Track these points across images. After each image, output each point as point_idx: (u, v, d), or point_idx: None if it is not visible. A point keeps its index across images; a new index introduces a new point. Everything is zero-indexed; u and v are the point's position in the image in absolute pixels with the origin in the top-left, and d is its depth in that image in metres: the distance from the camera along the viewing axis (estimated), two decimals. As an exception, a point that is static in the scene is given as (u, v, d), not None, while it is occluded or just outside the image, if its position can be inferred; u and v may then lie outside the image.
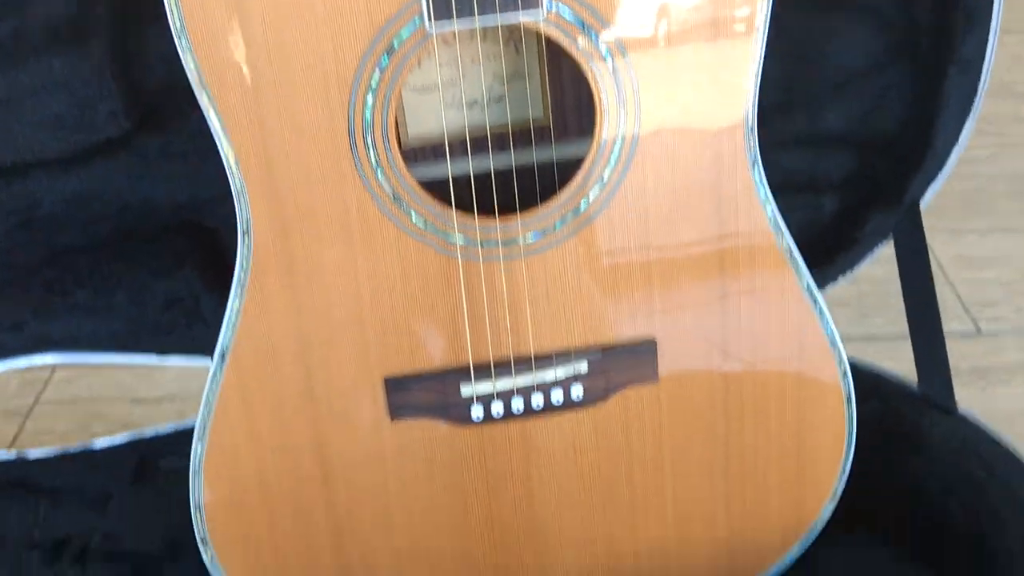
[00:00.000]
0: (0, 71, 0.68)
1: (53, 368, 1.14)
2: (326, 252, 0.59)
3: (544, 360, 0.63)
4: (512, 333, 0.62)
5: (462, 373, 0.63)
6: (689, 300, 0.63)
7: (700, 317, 0.64)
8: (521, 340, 0.62)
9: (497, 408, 0.63)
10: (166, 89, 0.73)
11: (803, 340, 0.65)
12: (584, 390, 0.64)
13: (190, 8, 0.53)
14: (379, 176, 0.57)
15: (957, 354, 1.11)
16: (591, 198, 0.60)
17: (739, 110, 0.59)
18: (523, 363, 0.63)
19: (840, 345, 0.66)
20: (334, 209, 0.58)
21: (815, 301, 0.65)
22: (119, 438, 0.84)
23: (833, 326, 0.66)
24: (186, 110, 0.73)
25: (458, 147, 0.62)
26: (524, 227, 0.60)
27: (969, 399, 1.04)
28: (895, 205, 0.81)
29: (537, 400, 0.63)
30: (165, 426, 0.85)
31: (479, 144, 0.62)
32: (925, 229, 0.82)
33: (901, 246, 0.82)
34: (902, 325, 1.14)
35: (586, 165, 0.59)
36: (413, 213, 0.59)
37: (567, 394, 0.64)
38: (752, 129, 0.59)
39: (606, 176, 0.59)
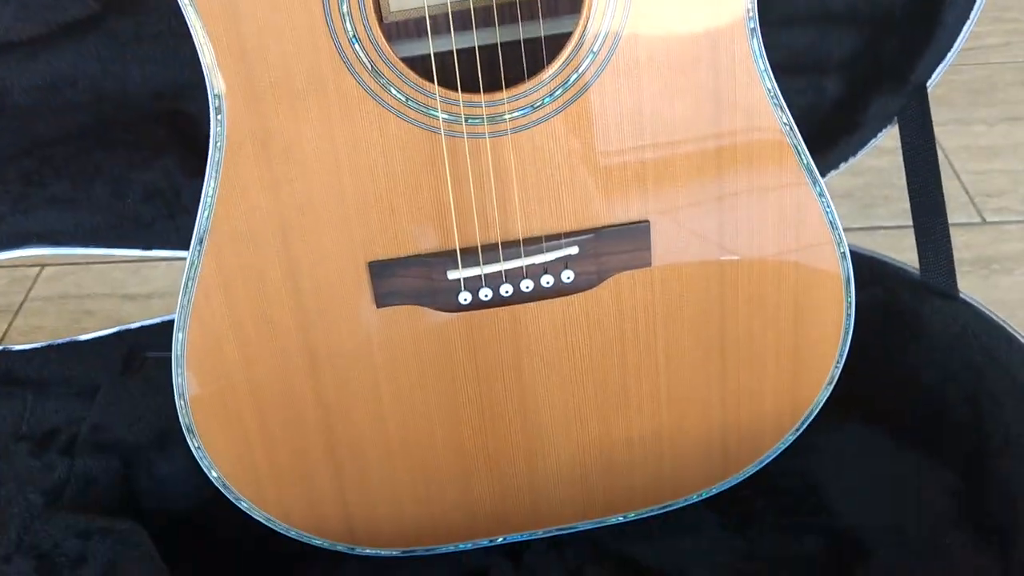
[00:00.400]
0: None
1: (42, 266, 1.12)
2: (303, 128, 0.56)
3: (533, 243, 0.61)
4: (500, 214, 0.60)
5: (449, 257, 0.61)
6: (684, 179, 0.60)
7: (695, 197, 0.61)
8: (509, 221, 0.60)
9: (485, 293, 0.62)
10: (136, -36, 0.70)
11: (801, 221, 0.63)
12: (575, 274, 0.62)
13: None
14: (356, 48, 0.54)
15: (961, 243, 1.09)
16: (581, 70, 0.57)
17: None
18: (511, 246, 0.61)
19: (839, 226, 0.64)
20: (309, 83, 0.55)
21: (814, 181, 0.62)
22: (106, 331, 0.82)
23: (833, 207, 0.64)
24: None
25: (442, 20, 0.59)
26: (511, 102, 0.57)
27: (971, 288, 1.03)
28: (901, 86, 0.78)
29: (526, 284, 0.62)
30: (154, 319, 0.83)
31: (464, 16, 0.59)
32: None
33: (907, 130, 0.79)
34: (905, 218, 1.11)
35: (575, 36, 0.56)
36: (393, 88, 0.56)
37: (557, 278, 0.62)
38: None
39: (596, 47, 0.56)
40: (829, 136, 0.81)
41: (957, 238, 1.10)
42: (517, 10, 0.61)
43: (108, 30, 0.72)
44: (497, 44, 0.59)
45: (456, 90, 0.56)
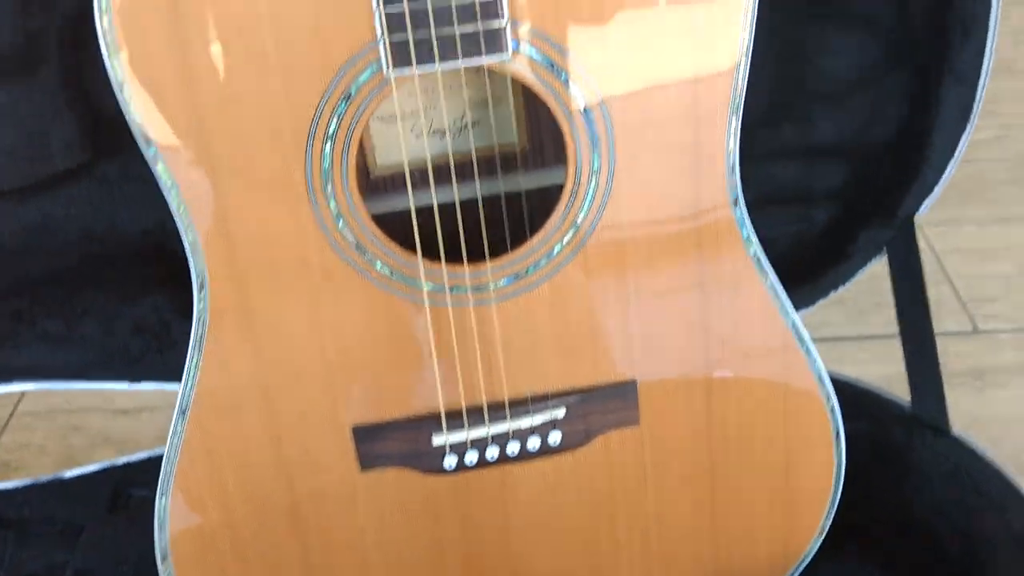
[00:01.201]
0: (-55, 105, 0.65)
1: (31, 377, 1.12)
2: (287, 304, 0.56)
3: (519, 406, 0.60)
4: (484, 380, 0.59)
5: (433, 421, 0.60)
6: (670, 341, 0.60)
7: (682, 357, 0.61)
8: (494, 386, 0.60)
9: (471, 457, 0.61)
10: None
11: (790, 378, 0.63)
12: (562, 435, 0.61)
13: (133, 60, 0.49)
14: (340, 225, 0.54)
15: (953, 354, 1.09)
16: (564, 242, 0.57)
17: (718, 154, 0.55)
18: (497, 410, 0.60)
19: (828, 382, 0.64)
20: (294, 261, 0.55)
21: (801, 340, 0.62)
22: (92, 467, 0.82)
23: (820, 362, 0.63)
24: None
25: (427, 178, 0.59)
26: (495, 272, 0.57)
27: (965, 402, 1.02)
28: (889, 219, 0.78)
29: (513, 448, 0.61)
30: (140, 454, 0.83)
31: (449, 174, 0.59)
32: (922, 220, 0.79)
33: (895, 262, 0.79)
34: (896, 326, 1.11)
35: (559, 209, 0.56)
36: (378, 262, 0.56)
37: (544, 440, 0.61)
38: (734, 169, 0.56)
39: (579, 220, 0.56)
40: (818, 265, 0.81)
41: (949, 348, 1.09)
42: (502, 165, 0.62)
43: (97, 175, 0.72)
44: (480, 210, 0.59)
45: (440, 260, 0.56)
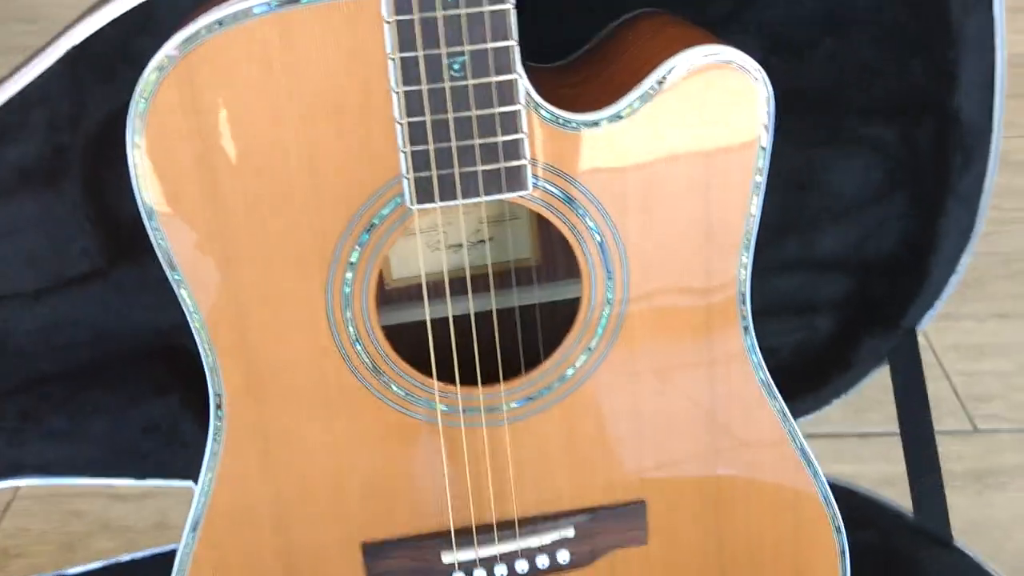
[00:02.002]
0: (-30, 214, 0.66)
1: (32, 460, 1.11)
2: (302, 424, 0.57)
3: (529, 525, 0.61)
4: (495, 499, 0.60)
5: (443, 539, 0.60)
6: (680, 464, 0.61)
7: (690, 479, 0.62)
8: (505, 505, 0.60)
9: (480, 575, 0.61)
10: (141, 220, 0.72)
11: (798, 500, 0.63)
12: (571, 554, 0.62)
13: (162, 191, 0.51)
14: (358, 348, 0.55)
15: (953, 455, 1.10)
16: (577, 365, 0.58)
17: (729, 285, 0.57)
18: (507, 529, 0.61)
19: (834, 504, 0.64)
20: (311, 383, 0.56)
21: (809, 462, 0.63)
22: (95, 565, 0.81)
23: (825, 483, 0.64)
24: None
25: (441, 290, 0.60)
26: (508, 395, 0.58)
27: (965, 505, 1.02)
28: (891, 330, 0.80)
29: (521, 566, 0.61)
30: (144, 552, 0.82)
31: (462, 287, 0.60)
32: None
33: (897, 370, 0.80)
34: (896, 424, 1.12)
35: (573, 333, 0.57)
36: (394, 384, 0.57)
37: (552, 559, 0.62)
38: (744, 299, 0.58)
39: (593, 344, 0.57)
40: (821, 374, 0.82)
41: (949, 448, 1.10)
42: (506, 279, 0.63)
43: (114, 279, 0.73)
44: (494, 325, 0.60)
45: (454, 382, 0.57)
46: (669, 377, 0.59)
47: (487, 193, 0.51)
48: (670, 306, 0.57)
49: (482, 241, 0.64)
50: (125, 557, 0.82)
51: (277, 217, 0.52)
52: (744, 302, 0.58)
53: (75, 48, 0.62)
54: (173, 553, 0.69)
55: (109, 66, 0.63)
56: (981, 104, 0.69)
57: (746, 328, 0.58)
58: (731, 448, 0.61)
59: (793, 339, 0.82)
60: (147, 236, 0.72)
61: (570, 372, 0.58)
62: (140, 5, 0.61)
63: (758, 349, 0.59)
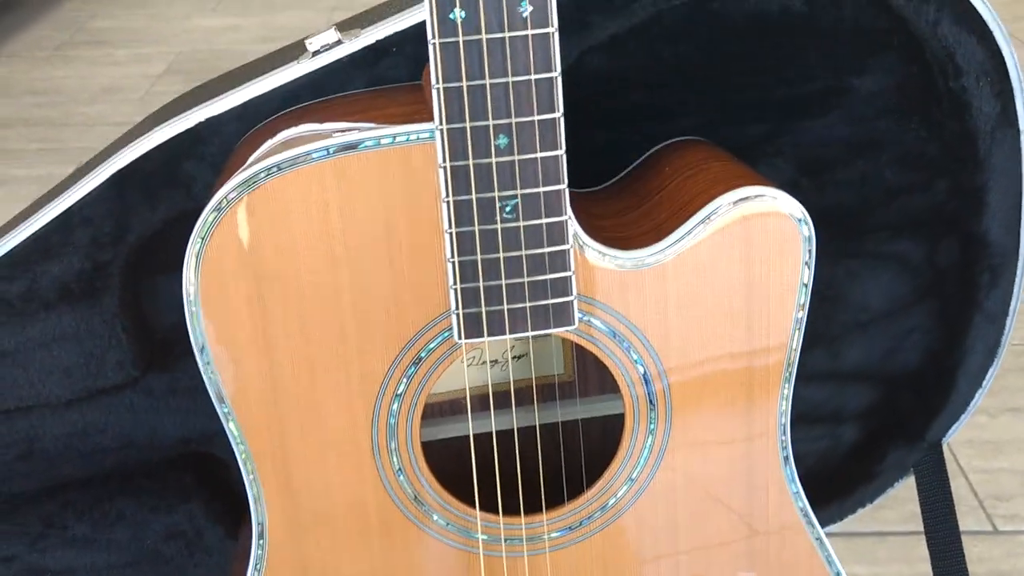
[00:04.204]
0: (9, 328, 0.67)
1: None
2: (343, 554, 0.57)
3: (566, 652, 0.60)
4: (534, 625, 0.60)
5: (481, 666, 0.60)
6: (717, 590, 0.61)
7: (728, 605, 0.61)
8: (543, 632, 0.60)
9: None
10: (176, 327, 0.72)
11: (833, 626, 0.63)
12: None
13: (213, 323, 0.51)
14: (401, 479, 0.56)
15: (974, 556, 1.09)
16: (619, 495, 0.58)
17: (771, 420, 0.57)
18: (545, 656, 0.60)
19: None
20: (352, 513, 0.56)
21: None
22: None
23: (857, 597, 0.64)
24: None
25: (477, 405, 0.61)
26: (549, 524, 0.58)
27: (990, 609, 1.01)
28: (916, 441, 0.80)
29: None
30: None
31: (499, 403, 0.60)
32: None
33: (923, 483, 0.80)
34: (915, 523, 1.11)
35: (615, 464, 0.57)
36: (435, 514, 0.57)
37: None
38: (785, 429, 0.58)
39: (635, 475, 0.57)
40: (846, 483, 0.82)
41: (970, 549, 1.09)
42: (541, 394, 0.63)
43: (144, 387, 0.74)
44: (537, 446, 0.60)
45: (496, 511, 0.57)
46: (710, 506, 0.59)
47: (534, 328, 0.52)
48: (713, 438, 0.57)
49: (515, 358, 0.65)
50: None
51: (327, 353, 0.52)
52: (785, 433, 0.58)
53: (121, 170, 0.63)
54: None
55: (154, 188, 0.64)
56: (1008, 227, 0.70)
57: (786, 458, 0.59)
58: (767, 571, 0.61)
59: (818, 447, 0.83)
60: (179, 343, 0.73)
61: (612, 502, 0.58)
62: (186, 130, 0.62)
63: (797, 479, 0.59)
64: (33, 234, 0.65)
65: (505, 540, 0.58)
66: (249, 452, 0.54)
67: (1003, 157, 0.68)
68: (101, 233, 0.66)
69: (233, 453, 0.68)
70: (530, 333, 0.52)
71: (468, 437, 0.58)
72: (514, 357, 0.65)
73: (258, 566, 0.56)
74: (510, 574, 0.58)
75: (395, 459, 0.55)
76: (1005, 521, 1.11)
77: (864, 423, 0.82)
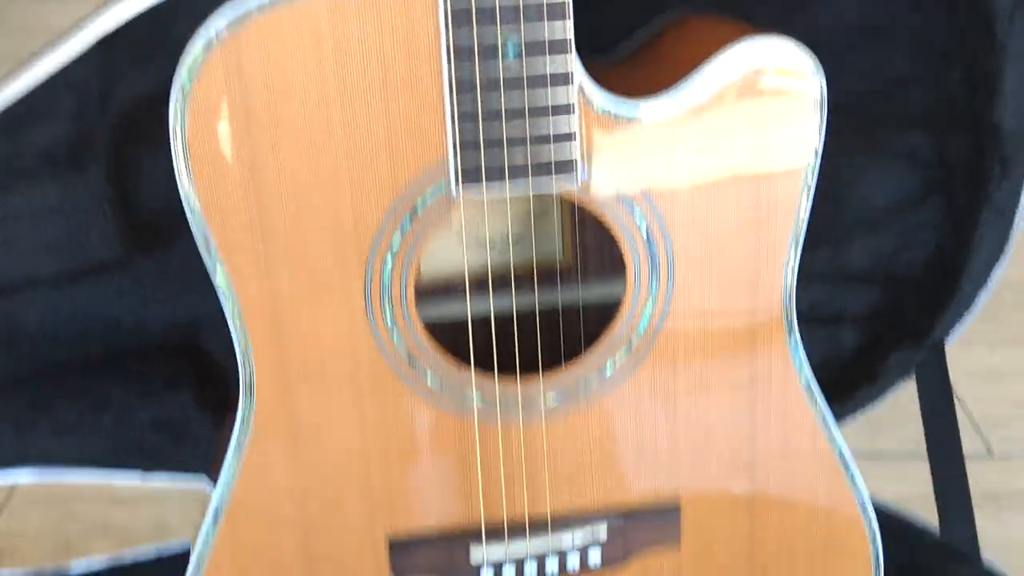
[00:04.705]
0: (-9, 194, 0.65)
1: (30, 460, 1.09)
2: (333, 413, 0.55)
3: (560, 524, 0.59)
4: (528, 495, 0.58)
5: (472, 536, 0.59)
6: (717, 468, 0.59)
7: (727, 483, 0.60)
8: (536, 502, 0.59)
9: (509, 573, 0.59)
10: (166, 209, 0.70)
11: (832, 504, 0.62)
12: (602, 555, 0.60)
13: (200, 165, 0.49)
14: (394, 337, 0.54)
15: (970, 478, 1.08)
16: (618, 363, 0.56)
17: (776, 284, 0.56)
18: (538, 528, 0.59)
19: (870, 508, 0.63)
20: (344, 370, 0.54)
21: (847, 467, 0.61)
22: (97, 562, 0.79)
23: (864, 491, 0.63)
24: (186, 229, 0.70)
25: (475, 289, 0.59)
26: (545, 388, 0.56)
27: (981, 527, 1.00)
28: (919, 343, 0.79)
29: (552, 566, 0.60)
30: (145, 549, 0.80)
31: (497, 286, 0.59)
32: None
33: (924, 385, 0.79)
34: (911, 444, 1.10)
35: (613, 329, 0.56)
36: (429, 374, 0.55)
37: (583, 559, 0.60)
38: (791, 299, 0.56)
39: (634, 342, 0.56)
40: (847, 386, 0.81)
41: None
42: (540, 279, 0.62)
43: (132, 269, 0.72)
44: (536, 322, 0.59)
45: (491, 372, 0.56)
46: (710, 378, 0.57)
47: (535, 186, 0.50)
48: (715, 306, 0.56)
49: (515, 240, 0.63)
50: (127, 558, 0.79)
51: (320, 199, 0.50)
52: (790, 302, 0.57)
53: (111, 33, 0.61)
54: (177, 556, 0.67)
55: (145, 52, 0.62)
56: (1021, 114, 0.68)
57: (790, 329, 0.57)
58: (769, 451, 0.60)
59: (819, 351, 0.81)
60: (168, 225, 0.71)
61: (610, 370, 0.56)
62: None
63: (802, 350, 0.58)
64: (15, 98, 0.63)
65: (500, 406, 0.56)
66: (237, 304, 0.52)
67: (1021, 41, 0.66)
68: (87, 99, 0.63)
69: (223, 343, 0.67)
70: (530, 186, 0.50)
71: (466, 313, 0.56)
72: (513, 241, 0.64)
73: (245, 424, 0.55)
74: (505, 442, 0.57)
75: (388, 316, 0.53)
76: (1001, 444, 1.11)
77: (866, 325, 0.81)
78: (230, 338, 0.55)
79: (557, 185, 0.51)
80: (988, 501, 1.04)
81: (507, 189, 0.49)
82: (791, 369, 0.58)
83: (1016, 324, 1.28)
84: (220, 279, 0.52)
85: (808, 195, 0.54)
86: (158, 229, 0.70)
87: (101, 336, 0.74)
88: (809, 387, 0.59)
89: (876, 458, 1.09)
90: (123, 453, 0.77)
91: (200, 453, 0.77)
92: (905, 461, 1.08)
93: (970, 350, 1.25)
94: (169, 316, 0.74)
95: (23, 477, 0.77)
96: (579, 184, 0.51)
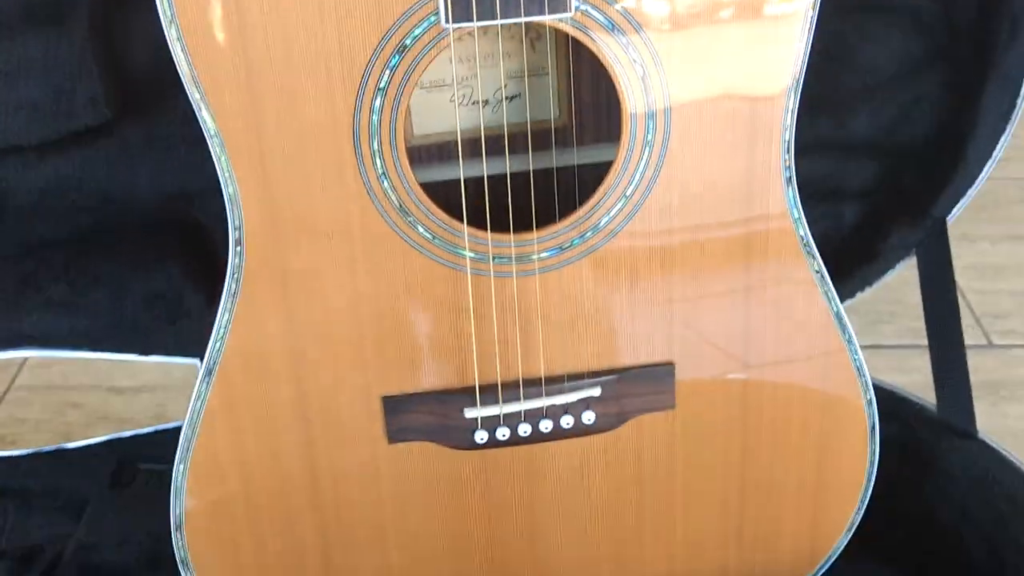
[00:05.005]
0: (-31, 52, 0.63)
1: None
2: (324, 265, 0.54)
3: (555, 383, 0.59)
4: (522, 353, 0.58)
5: (466, 394, 0.58)
6: (711, 324, 0.59)
7: (722, 341, 0.60)
8: (531, 360, 0.58)
9: (503, 432, 0.59)
10: (152, 72, 0.68)
11: (828, 368, 0.61)
12: (596, 415, 0.60)
13: (183, 2, 0.48)
14: (384, 185, 0.53)
15: (969, 367, 1.08)
16: (612, 214, 0.55)
17: (774, 130, 0.54)
18: (532, 385, 0.59)
19: (867, 373, 0.63)
20: (334, 220, 0.53)
21: (843, 328, 0.61)
22: (96, 439, 0.79)
23: (860, 353, 0.62)
24: (174, 95, 0.68)
25: (468, 150, 0.58)
26: (540, 242, 0.55)
27: (979, 415, 1.01)
28: (920, 219, 0.78)
29: (545, 425, 0.59)
30: (145, 427, 0.80)
31: (491, 147, 0.58)
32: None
33: (924, 263, 0.78)
34: (911, 336, 1.10)
35: (609, 179, 0.54)
36: (420, 226, 0.54)
37: (578, 419, 0.60)
38: (789, 147, 0.55)
39: (630, 191, 0.55)
40: (847, 264, 0.80)
41: (964, 360, 1.09)
42: (548, 139, 0.60)
43: (119, 135, 0.70)
44: (530, 180, 0.58)
45: (484, 227, 0.55)
46: (705, 231, 0.56)
47: (527, 13, 0.49)
48: (712, 151, 0.54)
49: (508, 98, 0.62)
50: (126, 433, 0.79)
51: (303, 33, 0.49)
52: (788, 152, 0.55)
53: None
54: (175, 430, 0.67)
55: None
56: (1032, -30, 0.66)
57: (789, 179, 0.56)
58: (765, 309, 0.59)
59: (819, 228, 0.80)
60: (155, 88, 0.69)
61: (604, 221, 0.55)
62: None
63: (799, 205, 0.57)
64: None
65: (494, 259, 0.55)
66: (223, 144, 0.51)
67: None
68: (68, -50, 0.62)
69: (215, 215, 0.66)
70: (522, 19, 0.49)
71: (460, 173, 0.55)
72: (508, 98, 0.62)
73: (236, 274, 0.54)
74: (498, 295, 0.56)
75: (378, 162, 0.52)
76: (1001, 336, 1.11)
77: (867, 200, 0.79)
78: (222, 209, 0.54)
79: (549, 17, 0.49)
80: (987, 391, 1.04)
81: (498, 12, 0.48)
82: (788, 221, 0.57)
83: (1019, 221, 1.27)
84: (205, 116, 0.50)
85: (809, 29, 0.52)
86: (146, 93, 0.69)
87: (90, 209, 0.73)
88: (806, 243, 0.58)
89: (875, 349, 1.09)
90: (119, 333, 0.77)
91: (195, 330, 0.76)
92: (904, 351, 1.07)
93: (974, 246, 1.24)
94: (159, 187, 0.73)
95: (19, 356, 0.77)
96: (571, 17, 0.50)
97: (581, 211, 0.55)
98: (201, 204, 0.74)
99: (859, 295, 0.82)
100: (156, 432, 0.79)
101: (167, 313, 0.77)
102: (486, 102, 0.61)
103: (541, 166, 0.60)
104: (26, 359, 1.08)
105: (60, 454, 0.78)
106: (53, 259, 0.75)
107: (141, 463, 0.77)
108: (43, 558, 0.70)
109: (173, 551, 0.61)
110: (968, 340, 1.10)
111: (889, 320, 1.11)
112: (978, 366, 1.07)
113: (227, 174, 0.52)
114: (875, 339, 1.10)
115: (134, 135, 0.71)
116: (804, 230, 0.58)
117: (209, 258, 0.75)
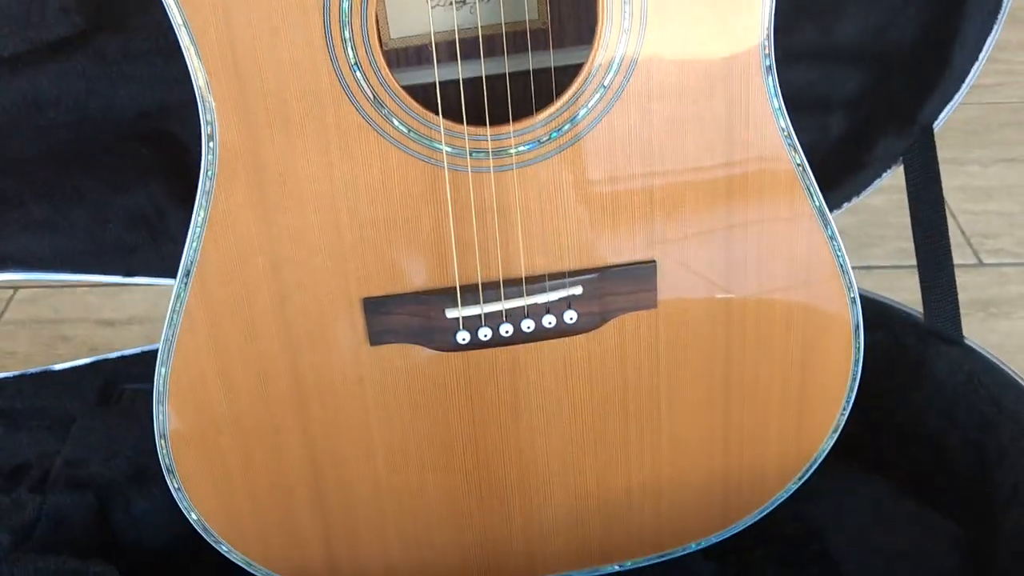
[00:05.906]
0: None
1: (15, 288, 1.09)
2: (299, 160, 0.54)
3: (536, 281, 0.58)
4: (502, 251, 0.57)
5: (447, 294, 0.58)
6: (692, 219, 0.58)
7: (704, 238, 0.59)
8: (511, 259, 0.58)
9: (485, 332, 0.59)
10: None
11: (811, 264, 0.61)
12: (578, 315, 0.59)
13: None
14: (358, 76, 0.52)
15: (958, 285, 1.08)
16: (590, 106, 0.55)
17: (755, 11, 0.53)
18: (513, 284, 0.58)
19: (850, 271, 0.62)
20: (307, 111, 0.52)
21: (826, 224, 0.60)
22: (82, 360, 0.79)
23: (844, 251, 0.62)
24: (148, 4, 0.67)
25: (445, 50, 0.57)
26: (516, 136, 0.55)
27: (969, 332, 1.01)
28: (907, 127, 0.77)
29: (527, 325, 0.59)
30: (132, 349, 0.80)
31: (468, 48, 0.57)
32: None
33: (912, 172, 0.78)
34: (900, 258, 1.10)
35: (585, 70, 0.54)
36: (395, 119, 0.53)
37: (560, 319, 0.59)
38: (769, 33, 0.54)
39: (607, 82, 0.54)
40: (833, 175, 0.80)
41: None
42: (512, 41, 0.60)
43: (95, 48, 0.69)
44: (505, 75, 0.57)
45: (461, 122, 0.54)
46: (684, 120, 0.56)
47: None
48: (690, 41, 0.54)
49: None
50: (112, 354, 0.79)
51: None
52: (768, 39, 0.54)
53: None
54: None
55: None
56: None
57: (768, 68, 0.55)
58: (747, 205, 0.59)
59: (804, 138, 0.79)
60: (131, 1, 0.68)
61: (582, 112, 0.55)
62: None
63: (779, 92, 0.56)
64: None
65: (470, 153, 0.55)
66: (192, 36, 0.50)
67: None
68: None
69: (193, 131, 0.65)
70: None
71: (434, 76, 0.54)
72: (485, -1, 0.61)
73: (209, 172, 0.53)
74: (476, 190, 0.56)
75: (350, 52, 0.51)
76: (990, 255, 1.10)
77: (854, 110, 0.78)
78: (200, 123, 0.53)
79: None
80: (976, 308, 1.04)
81: None
82: (768, 110, 0.56)
83: (1011, 145, 1.27)
84: (173, 9, 0.49)
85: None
86: (120, 2, 0.68)
87: (68, 126, 0.72)
88: (787, 133, 0.57)
89: (865, 271, 1.09)
90: (102, 253, 0.77)
91: (180, 253, 0.76)
92: (893, 272, 1.07)
93: (964, 169, 1.24)
94: (136, 101, 0.72)
95: (3, 277, 0.76)
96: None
97: (558, 103, 0.54)
98: (181, 120, 0.73)
99: (846, 205, 0.81)
100: (143, 353, 0.79)
101: (149, 232, 0.76)
102: (463, 2, 0.60)
103: (518, 68, 0.59)
104: (14, 293, 1.08)
105: (47, 375, 0.78)
106: (33, 177, 0.74)
107: (128, 383, 0.77)
108: (31, 474, 0.70)
109: (159, 461, 0.61)
110: (958, 259, 1.09)
111: (879, 243, 1.11)
112: (968, 284, 1.08)
113: (196, 64, 0.51)
114: (864, 261, 1.09)
115: (111, 49, 0.70)
116: (784, 120, 0.57)
117: (191, 176, 0.74)
